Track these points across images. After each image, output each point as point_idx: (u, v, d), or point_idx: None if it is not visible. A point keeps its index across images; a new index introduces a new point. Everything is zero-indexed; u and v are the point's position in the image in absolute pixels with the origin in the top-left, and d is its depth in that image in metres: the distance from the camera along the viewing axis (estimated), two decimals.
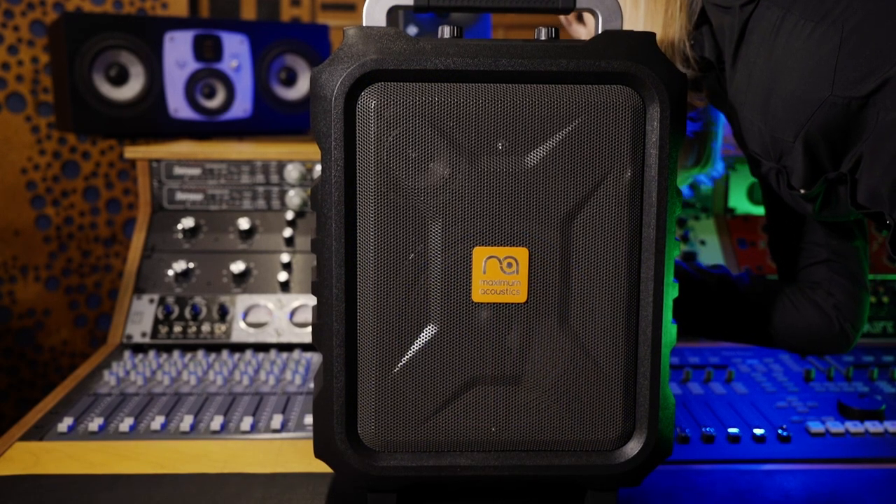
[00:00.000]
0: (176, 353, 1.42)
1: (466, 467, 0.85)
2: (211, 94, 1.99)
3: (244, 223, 1.59)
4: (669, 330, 0.85)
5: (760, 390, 1.28)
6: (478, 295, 0.82)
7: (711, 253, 1.66)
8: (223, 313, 1.49)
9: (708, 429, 1.10)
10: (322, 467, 0.89)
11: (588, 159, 0.80)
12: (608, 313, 0.83)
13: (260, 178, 1.64)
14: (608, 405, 0.85)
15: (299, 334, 1.48)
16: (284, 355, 1.42)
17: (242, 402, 1.21)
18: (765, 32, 0.91)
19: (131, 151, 1.66)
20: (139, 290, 1.52)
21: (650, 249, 0.83)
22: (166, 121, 1.93)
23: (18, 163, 2.26)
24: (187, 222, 1.59)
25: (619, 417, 0.85)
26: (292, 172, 1.62)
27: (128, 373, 1.32)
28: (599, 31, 0.84)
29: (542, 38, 0.82)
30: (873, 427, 1.13)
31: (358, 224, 0.81)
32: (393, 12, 0.84)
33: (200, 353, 1.42)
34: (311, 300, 1.50)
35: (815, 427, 1.12)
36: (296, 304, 1.52)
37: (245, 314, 1.50)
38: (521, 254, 0.82)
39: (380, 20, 0.83)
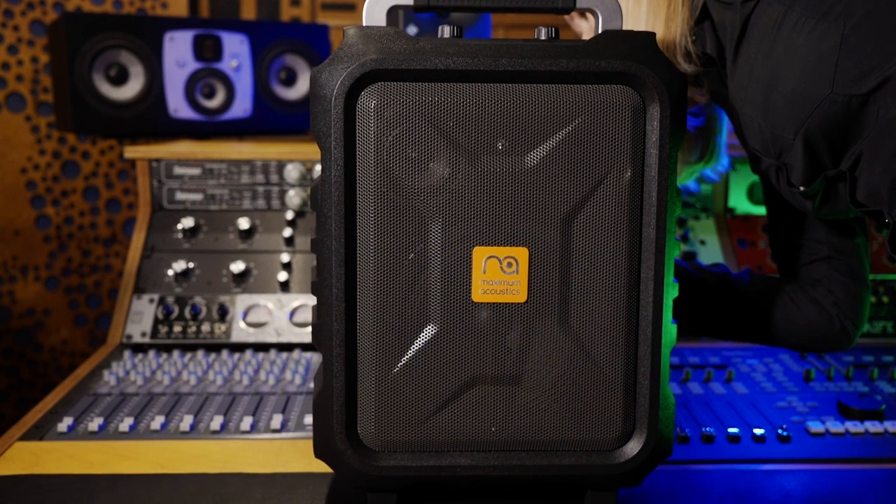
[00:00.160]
0: (176, 353, 1.42)
1: (466, 467, 0.85)
2: (211, 94, 1.99)
3: (244, 223, 1.59)
4: (669, 330, 0.85)
5: (760, 390, 1.28)
6: (478, 295, 0.82)
7: (711, 253, 1.66)
8: (223, 313, 1.49)
9: (708, 429, 1.10)
10: (322, 467, 0.89)
11: (588, 159, 0.80)
12: (608, 313, 0.83)
13: (260, 177, 1.64)
14: (608, 405, 0.85)
15: (299, 334, 1.48)
16: (284, 355, 1.42)
17: (242, 402, 1.21)
18: (766, 29, 0.91)
19: (131, 151, 1.66)
20: (139, 290, 1.52)
21: (650, 249, 0.83)
22: (166, 121, 1.93)
23: (18, 163, 2.26)
24: (187, 222, 1.59)
25: (619, 417, 0.85)
26: (292, 172, 1.62)
27: (128, 373, 1.32)
28: (599, 31, 0.84)
29: (542, 37, 0.82)
30: (873, 427, 1.13)
31: (358, 224, 0.81)
32: (393, 12, 0.85)
33: (200, 353, 1.42)
34: (311, 300, 1.50)
35: (815, 427, 1.12)
36: (296, 303, 1.52)
37: (245, 314, 1.50)
38: (521, 254, 0.82)
39: (380, 20, 0.83)
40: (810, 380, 1.32)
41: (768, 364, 1.40)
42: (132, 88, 1.91)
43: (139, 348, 1.46)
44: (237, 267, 1.53)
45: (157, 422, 1.12)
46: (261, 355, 1.41)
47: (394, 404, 0.83)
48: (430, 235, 0.81)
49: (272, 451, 1.06)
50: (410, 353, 0.83)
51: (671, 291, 0.84)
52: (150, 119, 1.92)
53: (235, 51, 1.99)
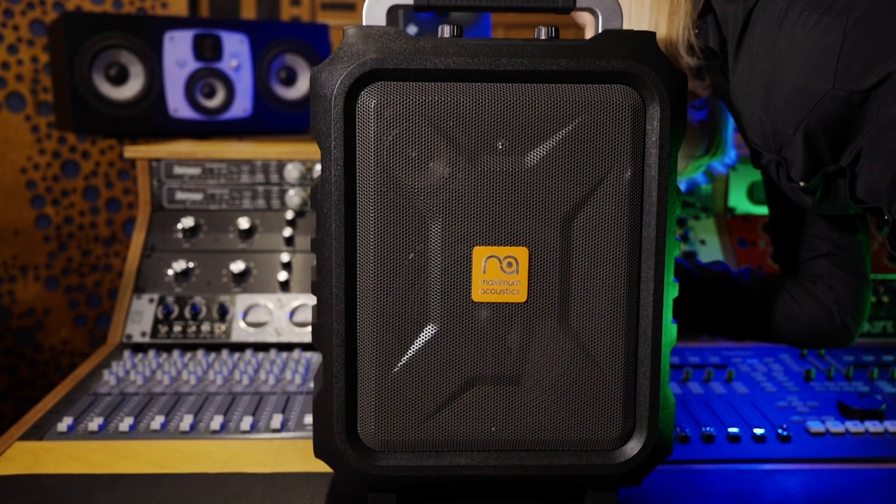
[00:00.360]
0: (176, 353, 1.41)
1: (466, 467, 0.85)
2: (211, 94, 1.99)
3: (244, 223, 1.59)
4: (669, 329, 0.85)
5: (760, 390, 1.28)
6: (478, 294, 0.82)
7: (711, 252, 1.66)
8: (223, 313, 1.49)
9: (708, 428, 1.10)
10: (322, 467, 0.89)
11: (588, 159, 0.80)
12: (608, 313, 0.83)
13: (260, 177, 1.64)
14: (608, 405, 0.85)
15: (299, 334, 1.48)
16: (284, 355, 1.42)
17: (242, 402, 1.21)
18: (768, 22, 0.90)
19: (131, 151, 1.66)
20: (139, 290, 1.52)
21: (650, 249, 0.83)
22: (166, 120, 1.93)
23: (18, 162, 2.26)
24: (187, 222, 1.59)
25: (619, 417, 0.85)
26: (292, 172, 1.62)
27: (128, 372, 1.32)
28: (600, 31, 0.84)
29: (542, 37, 0.82)
30: (873, 427, 1.13)
31: (358, 223, 0.81)
32: (393, 12, 0.84)
33: (200, 353, 1.42)
34: (311, 300, 1.49)
35: (816, 427, 1.12)
36: (296, 303, 1.52)
37: (245, 314, 1.50)
38: (521, 253, 0.82)
39: (380, 19, 0.83)
40: (810, 379, 1.32)
41: (768, 364, 1.40)
42: (132, 88, 1.91)
43: (139, 348, 1.45)
44: (237, 267, 1.53)
45: (157, 422, 1.12)
46: (261, 355, 1.41)
47: (394, 404, 0.83)
48: (430, 235, 0.81)
49: (272, 450, 1.06)
50: (410, 352, 0.83)
51: (671, 291, 0.84)
52: (150, 119, 1.92)
53: (235, 50, 1.99)
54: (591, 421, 0.85)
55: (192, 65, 1.95)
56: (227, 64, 1.98)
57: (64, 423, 1.11)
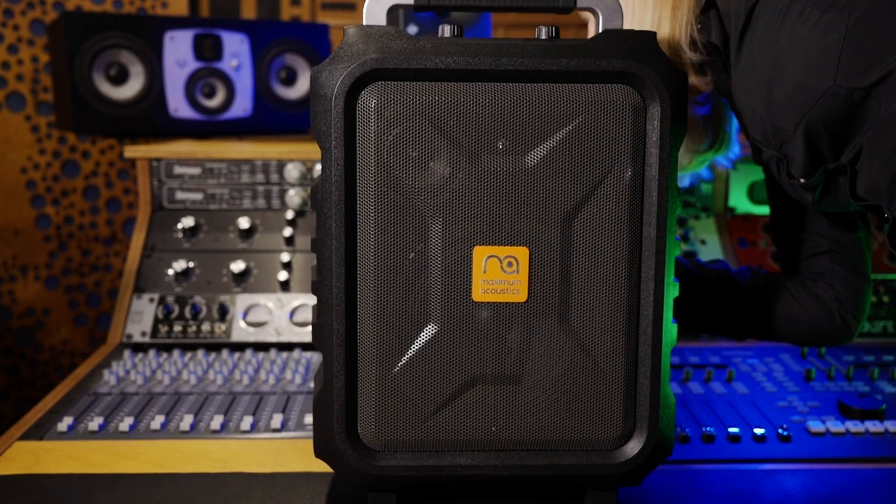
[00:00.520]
0: (176, 353, 1.41)
1: (466, 467, 0.85)
2: (211, 94, 1.98)
3: (244, 222, 1.59)
4: (670, 329, 0.85)
5: (761, 390, 1.28)
6: (478, 294, 0.82)
7: (711, 252, 1.66)
8: (223, 313, 1.49)
9: (708, 428, 1.10)
10: (322, 467, 0.89)
11: (588, 158, 0.80)
12: (608, 313, 0.83)
13: (260, 177, 1.64)
14: (608, 405, 0.85)
15: (299, 334, 1.48)
16: (284, 355, 1.41)
17: (242, 402, 1.21)
18: (771, 19, 0.90)
19: (131, 151, 1.66)
20: (139, 290, 1.52)
21: (650, 249, 0.82)
22: (166, 120, 1.93)
23: (18, 162, 2.25)
24: (187, 221, 1.59)
25: (619, 417, 0.85)
26: (292, 172, 1.62)
27: (128, 372, 1.32)
28: (600, 31, 0.84)
29: (543, 37, 0.82)
30: (874, 427, 1.13)
31: (358, 223, 0.81)
32: (393, 11, 0.84)
33: (200, 353, 1.42)
34: (311, 299, 1.49)
35: (816, 427, 1.12)
36: (296, 303, 1.52)
37: (245, 313, 1.50)
38: (522, 253, 0.82)
39: (380, 19, 0.83)
40: (811, 379, 1.32)
41: (769, 364, 1.40)
42: (132, 88, 1.91)
43: (139, 348, 1.45)
44: (237, 266, 1.53)
45: (157, 421, 1.12)
46: (261, 355, 1.41)
47: (394, 404, 0.83)
48: (431, 235, 0.81)
49: (272, 450, 1.06)
50: (411, 352, 0.83)
51: (672, 291, 0.84)
52: (150, 118, 1.92)
53: (235, 50, 1.99)
54: (591, 421, 0.85)
55: (193, 65, 1.95)
56: (228, 64, 1.98)
57: (64, 423, 1.11)
